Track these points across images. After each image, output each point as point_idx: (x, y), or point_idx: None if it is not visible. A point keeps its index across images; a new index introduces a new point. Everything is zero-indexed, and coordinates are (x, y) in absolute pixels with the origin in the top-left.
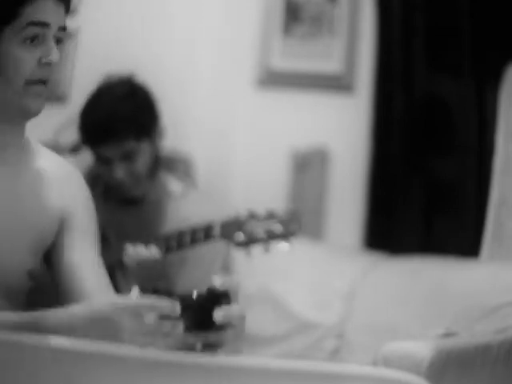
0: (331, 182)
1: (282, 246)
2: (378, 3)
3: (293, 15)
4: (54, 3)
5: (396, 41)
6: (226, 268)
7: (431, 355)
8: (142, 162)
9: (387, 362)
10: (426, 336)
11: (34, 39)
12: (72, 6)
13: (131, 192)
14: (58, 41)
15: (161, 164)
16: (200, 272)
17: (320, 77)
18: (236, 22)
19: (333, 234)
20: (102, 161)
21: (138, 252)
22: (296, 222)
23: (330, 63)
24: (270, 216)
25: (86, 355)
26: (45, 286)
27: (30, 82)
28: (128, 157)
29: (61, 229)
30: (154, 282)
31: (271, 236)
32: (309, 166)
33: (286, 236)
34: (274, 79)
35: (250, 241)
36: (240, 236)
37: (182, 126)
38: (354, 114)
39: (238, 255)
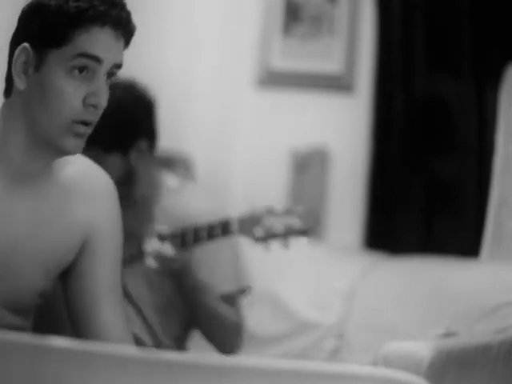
0: (331, 182)
1: (300, 241)
2: (378, 3)
3: (293, 15)
4: (114, 36)
5: (396, 41)
6: (236, 260)
7: (431, 355)
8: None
9: (387, 362)
10: (426, 336)
11: (82, 70)
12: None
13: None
14: (109, 76)
15: (155, 160)
16: (209, 264)
17: (320, 77)
18: (236, 22)
19: (333, 234)
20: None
21: (157, 249)
22: (314, 217)
23: (329, 63)
24: (288, 211)
25: (85, 355)
26: (53, 305)
27: (74, 122)
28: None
29: (82, 250)
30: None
31: (290, 231)
32: (309, 166)
33: (304, 231)
34: (274, 79)
35: (269, 236)
36: (259, 231)
37: (182, 126)
38: (354, 114)
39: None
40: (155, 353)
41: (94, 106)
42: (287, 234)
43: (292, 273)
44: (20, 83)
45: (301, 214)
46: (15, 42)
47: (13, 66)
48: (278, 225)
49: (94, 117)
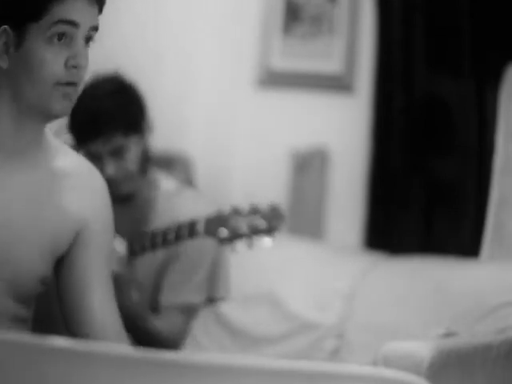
0: (331, 182)
1: (265, 242)
2: (378, 3)
3: (293, 15)
4: (88, 3)
5: (396, 41)
6: (217, 265)
7: (431, 355)
8: (132, 157)
9: (387, 362)
10: (426, 336)
11: (61, 37)
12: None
13: (122, 189)
14: (88, 40)
15: (152, 161)
16: (188, 269)
17: (320, 77)
18: (236, 22)
19: (333, 234)
20: (91, 158)
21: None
22: (279, 217)
23: (330, 63)
24: (254, 211)
25: (81, 354)
26: (53, 292)
27: (58, 84)
28: (117, 153)
29: (76, 241)
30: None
31: (254, 231)
32: (309, 166)
33: (269, 231)
34: (274, 79)
35: (234, 236)
36: (223, 232)
37: (181, 127)
38: (354, 114)
39: (237, 255)
40: (152, 352)
41: (75, 67)
42: (252, 234)
43: (292, 273)
44: (3, 62)
45: (266, 213)
46: None
47: None
48: (242, 225)
49: (77, 78)
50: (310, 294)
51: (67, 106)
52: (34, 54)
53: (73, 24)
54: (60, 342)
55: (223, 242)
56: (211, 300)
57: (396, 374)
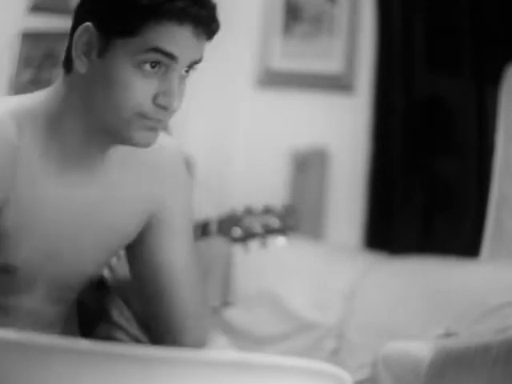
0: (331, 182)
1: (279, 241)
2: (378, 3)
3: (293, 15)
4: (193, 34)
5: (396, 41)
6: (228, 272)
7: (431, 355)
8: None
9: (387, 362)
10: (426, 336)
11: (155, 65)
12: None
13: None
14: (187, 71)
15: None
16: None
17: (320, 77)
18: (236, 22)
19: (333, 234)
20: None
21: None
22: (293, 216)
23: (330, 63)
24: (267, 211)
25: (37, 348)
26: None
27: (140, 116)
28: None
29: (148, 226)
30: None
31: (268, 230)
32: (309, 166)
33: (283, 230)
34: (274, 79)
35: (247, 236)
36: (237, 231)
37: (181, 126)
38: (354, 114)
39: (238, 255)
40: (109, 345)
41: (164, 108)
42: (265, 233)
43: (292, 273)
44: (81, 66)
45: (280, 213)
46: (79, 16)
47: (73, 45)
48: (255, 225)
49: (165, 117)
50: (310, 294)
51: (152, 136)
52: (120, 73)
53: (170, 57)
54: (13, 335)
55: (237, 241)
56: (225, 304)
57: (323, 366)
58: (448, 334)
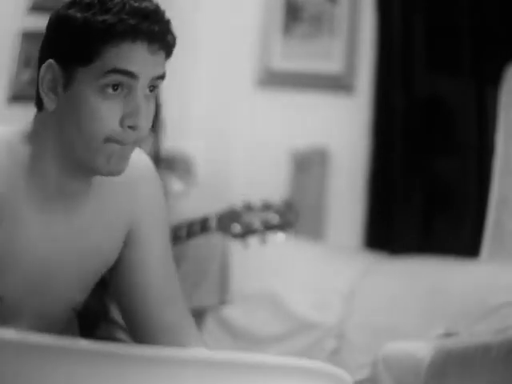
0: (331, 181)
1: (278, 237)
2: (378, 3)
3: (293, 15)
4: (148, 51)
5: (396, 41)
6: (224, 270)
7: (431, 355)
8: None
9: (387, 362)
10: (425, 336)
11: (116, 88)
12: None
13: None
14: (152, 89)
15: (162, 162)
16: (196, 269)
17: (320, 77)
18: (236, 22)
19: (333, 234)
20: None
21: None
22: (293, 212)
23: (330, 63)
24: (267, 207)
25: (33, 348)
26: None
27: (110, 140)
28: None
29: (126, 243)
30: None
31: (268, 226)
32: (309, 166)
33: (282, 226)
34: (274, 79)
35: (247, 232)
36: (236, 227)
37: (182, 126)
38: (354, 114)
39: (237, 255)
40: (102, 345)
41: (132, 128)
42: (265, 229)
43: (292, 273)
44: (49, 103)
45: (279, 209)
46: (42, 56)
47: (39, 84)
48: (255, 220)
49: (134, 139)
50: (310, 294)
51: (122, 164)
52: (85, 101)
53: (130, 75)
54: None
55: (236, 237)
56: (222, 303)
57: (323, 366)
58: (448, 334)
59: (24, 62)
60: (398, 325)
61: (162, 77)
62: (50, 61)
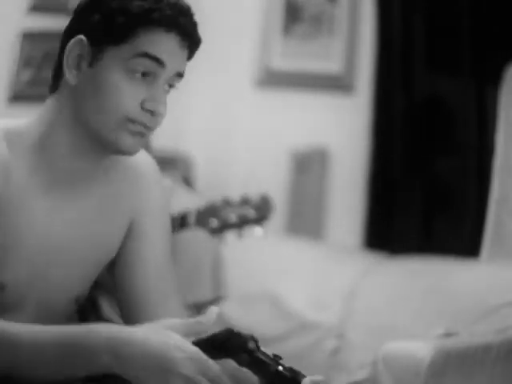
0: (331, 181)
1: (255, 231)
2: (378, 3)
3: (293, 15)
4: (179, 44)
5: (396, 41)
6: (217, 265)
7: (431, 355)
8: None
9: (387, 362)
10: (425, 336)
11: (144, 74)
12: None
13: None
14: (170, 86)
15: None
16: (188, 264)
17: (320, 77)
18: (236, 22)
19: (333, 234)
20: None
21: None
22: (269, 206)
23: (330, 63)
24: (244, 202)
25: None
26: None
27: (129, 120)
28: None
29: (127, 236)
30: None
31: (244, 221)
32: (309, 166)
33: (258, 220)
34: (273, 79)
35: (223, 227)
36: (214, 222)
37: (182, 126)
38: (354, 114)
39: (237, 254)
40: None
41: (152, 113)
42: (241, 224)
43: (292, 273)
44: (72, 77)
45: (256, 203)
46: (68, 35)
47: (65, 58)
48: (232, 215)
49: (152, 123)
50: (309, 294)
51: (137, 143)
52: (110, 79)
53: (159, 62)
54: None
55: (213, 232)
56: (217, 299)
57: None
58: (448, 334)
59: (24, 62)
60: (398, 325)
61: (182, 74)
62: (81, 36)
